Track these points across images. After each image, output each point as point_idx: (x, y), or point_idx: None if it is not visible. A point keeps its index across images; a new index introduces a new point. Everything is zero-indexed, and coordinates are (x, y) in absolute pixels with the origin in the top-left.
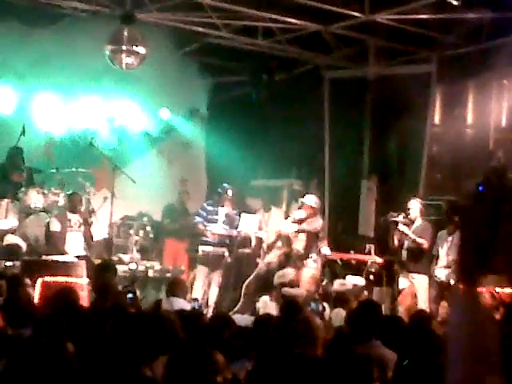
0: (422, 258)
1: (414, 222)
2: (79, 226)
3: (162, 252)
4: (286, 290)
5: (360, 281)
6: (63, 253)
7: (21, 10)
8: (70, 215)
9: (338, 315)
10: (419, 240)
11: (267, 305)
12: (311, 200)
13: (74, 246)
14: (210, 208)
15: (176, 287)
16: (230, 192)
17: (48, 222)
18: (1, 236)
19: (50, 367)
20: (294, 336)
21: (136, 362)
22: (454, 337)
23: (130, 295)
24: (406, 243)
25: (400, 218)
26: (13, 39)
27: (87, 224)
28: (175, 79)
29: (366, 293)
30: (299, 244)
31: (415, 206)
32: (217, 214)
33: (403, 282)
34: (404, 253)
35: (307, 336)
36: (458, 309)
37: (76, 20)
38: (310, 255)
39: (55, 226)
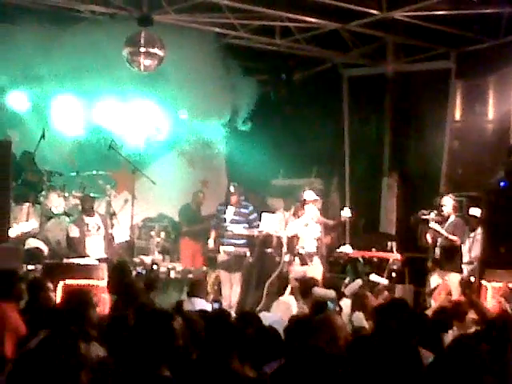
0: (455, 255)
1: (447, 219)
2: (97, 230)
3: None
4: (317, 290)
5: (383, 280)
6: (84, 256)
7: (39, 14)
8: (86, 219)
9: (358, 318)
10: (451, 237)
11: (287, 303)
12: (313, 195)
13: (94, 250)
14: (220, 208)
15: (196, 288)
16: (232, 188)
17: (67, 228)
18: (22, 239)
19: (63, 367)
20: (316, 335)
21: (156, 362)
22: None
23: (139, 269)
24: (439, 241)
25: (432, 216)
26: (32, 43)
27: (107, 226)
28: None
29: (386, 292)
30: (312, 243)
31: (448, 202)
32: (225, 213)
33: (435, 280)
34: (437, 250)
35: (329, 335)
36: None
37: (94, 23)
38: (318, 253)
39: (74, 232)
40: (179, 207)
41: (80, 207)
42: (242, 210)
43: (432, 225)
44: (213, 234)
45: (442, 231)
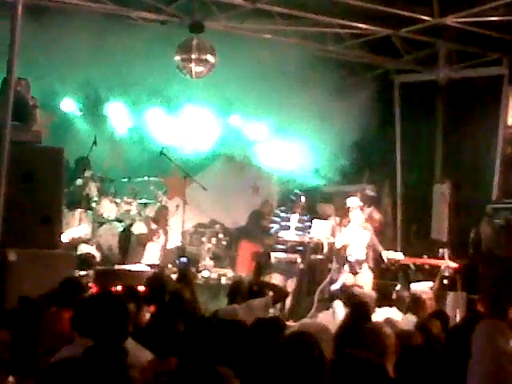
0: None
1: None
2: (158, 238)
3: (235, 259)
4: (357, 290)
5: (426, 286)
6: (139, 260)
7: (91, 21)
8: (153, 225)
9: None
10: None
11: (342, 309)
12: (356, 201)
13: (150, 255)
14: (283, 214)
15: (236, 293)
16: (303, 199)
17: (127, 231)
18: (74, 245)
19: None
20: (363, 345)
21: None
22: (475, 365)
23: (183, 259)
24: None
25: None
26: (83, 49)
27: (167, 237)
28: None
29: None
30: (361, 251)
31: None
32: (289, 221)
33: None
34: None
35: (376, 345)
36: (484, 338)
37: (146, 30)
38: (367, 261)
39: (141, 229)
40: (234, 214)
41: (135, 213)
42: (304, 218)
43: None
44: (272, 241)
45: None
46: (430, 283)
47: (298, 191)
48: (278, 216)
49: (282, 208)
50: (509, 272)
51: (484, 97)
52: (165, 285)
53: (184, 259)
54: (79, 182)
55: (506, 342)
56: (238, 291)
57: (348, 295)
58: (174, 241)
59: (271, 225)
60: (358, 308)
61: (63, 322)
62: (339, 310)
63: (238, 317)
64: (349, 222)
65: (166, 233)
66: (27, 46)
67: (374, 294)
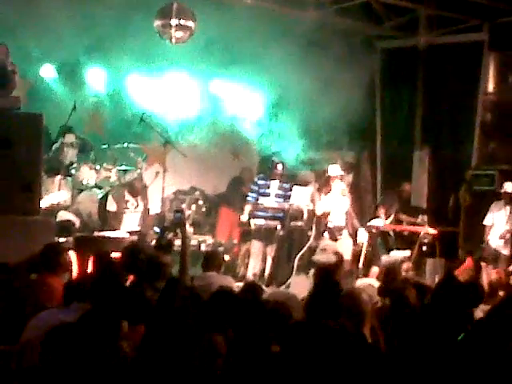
0: None
1: None
2: (136, 207)
3: (214, 226)
4: (317, 257)
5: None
6: (116, 229)
7: None
8: (127, 196)
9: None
10: None
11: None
12: (337, 170)
13: (128, 225)
14: (261, 182)
15: (211, 261)
16: (279, 166)
17: (104, 201)
18: (54, 212)
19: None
20: (340, 311)
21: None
22: None
23: (177, 214)
24: None
25: None
26: (61, 13)
27: (146, 203)
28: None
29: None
30: (341, 217)
31: None
32: (269, 188)
33: None
34: None
35: (354, 311)
36: None
37: None
38: (347, 227)
39: (111, 206)
40: (214, 181)
41: (114, 179)
42: (285, 185)
43: None
44: (248, 208)
45: None
46: (408, 252)
47: (275, 159)
48: (256, 184)
49: (261, 175)
50: None
51: (464, 63)
52: (141, 253)
53: (178, 214)
54: (55, 146)
55: None
56: (212, 260)
57: (312, 262)
58: (154, 207)
59: (249, 193)
60: (322, 273)
61: (46, 288)
62: None
63: (213, 284)
64: (329, 189)
65: (145, 202)
66: (4, 11)
67: (339, 254)
